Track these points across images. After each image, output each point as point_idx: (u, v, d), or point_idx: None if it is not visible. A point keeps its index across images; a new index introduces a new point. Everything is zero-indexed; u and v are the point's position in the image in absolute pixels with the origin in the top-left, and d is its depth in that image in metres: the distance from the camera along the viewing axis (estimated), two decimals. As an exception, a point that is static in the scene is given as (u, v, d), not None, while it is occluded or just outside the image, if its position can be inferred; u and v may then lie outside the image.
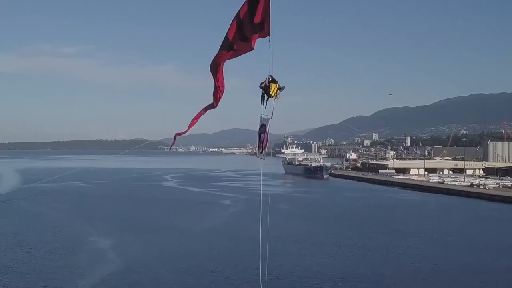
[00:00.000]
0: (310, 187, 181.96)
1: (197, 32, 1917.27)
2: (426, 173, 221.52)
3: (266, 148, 14.11)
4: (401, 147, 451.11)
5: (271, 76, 13.45)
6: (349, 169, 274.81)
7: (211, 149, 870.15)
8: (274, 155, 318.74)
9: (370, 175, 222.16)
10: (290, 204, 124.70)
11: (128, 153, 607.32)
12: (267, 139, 13.94)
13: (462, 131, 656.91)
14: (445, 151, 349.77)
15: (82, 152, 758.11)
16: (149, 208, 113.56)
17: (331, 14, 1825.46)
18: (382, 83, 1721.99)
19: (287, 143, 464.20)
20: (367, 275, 55.94)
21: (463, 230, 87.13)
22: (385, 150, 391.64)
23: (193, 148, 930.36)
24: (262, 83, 13.47)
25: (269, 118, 14.07)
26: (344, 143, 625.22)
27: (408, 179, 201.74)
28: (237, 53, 13.52)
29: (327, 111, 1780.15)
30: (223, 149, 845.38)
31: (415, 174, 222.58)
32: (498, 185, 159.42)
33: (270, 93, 13.39)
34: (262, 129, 14.11)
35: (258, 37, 13.18)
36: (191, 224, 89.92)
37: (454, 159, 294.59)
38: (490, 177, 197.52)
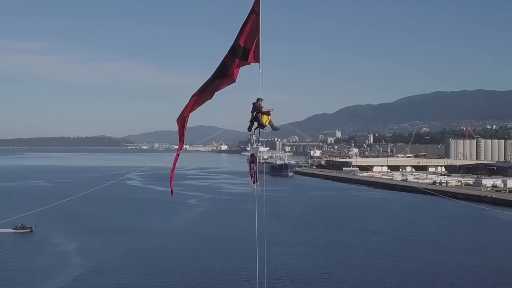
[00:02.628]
0: (275, 185, 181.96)
1: (163, 28, 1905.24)
2: (389, 170, 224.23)
3: (259, 178, 13.99)
4: (364, 144, 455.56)
5: (260, 99, 13.34)
6: (314, 167, 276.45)
7: (175, 146, 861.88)
8: (239, 152, 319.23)
9: (334, 173, 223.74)
10: (257, 203, 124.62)
11: (91, 151, 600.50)
12: (257, 170, 13.85)
13: (424, 128, 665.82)
14: (408, 149, 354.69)
15: (44, 149, 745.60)
16: (115, 208, 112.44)
17: (293, 9, 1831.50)
18: (345, 80, 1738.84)
19: (252, 140, 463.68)
20: (335, 275, 56.33)
21: (428, 229, 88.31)
22: (349, 148, 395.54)
23: (157, 145, 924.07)
24: (258, 105, 13.29)
25: (258, 148, 14.00)
26: (308, 140, 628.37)
27: (372, 176, 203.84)
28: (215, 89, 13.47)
29: (292, 108, 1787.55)
30: (187, 146, 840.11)
31: (379, 172, 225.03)
32: (460, 183, 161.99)
33: (264, 123, 13.28)
34: (251, 159, 14.01)
35: (243, 65, 13.04)
36: (159, 225, 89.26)
37: (416, 156, 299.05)
38: (452, 174, 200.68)
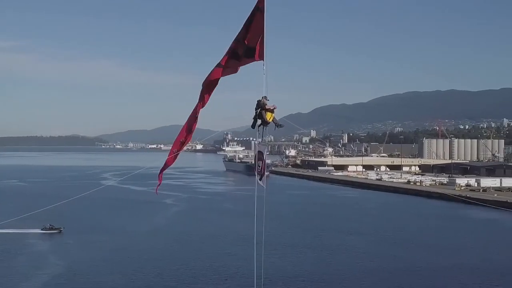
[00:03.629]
0: (252, 184, 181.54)
1: (138, 26, 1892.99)
2: (364, 170, 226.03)
3: (265, 175, 14.15)
4: (339, 144, 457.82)
5: (266, 98, 13.49)
6: (289, 166, 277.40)
7: (149, 146, 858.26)
8: (214, 152, 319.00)
9: (310, 172, 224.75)
10: (233, 203, 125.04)
11: (65, 150, 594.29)
12: (265, 166, 13.98)
13: (397, 128, 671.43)
14: (382, 148, 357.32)
15: (16, 149, 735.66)
16: (91, 208, 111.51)
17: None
18: (320, 80, 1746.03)
19: (227, 140, 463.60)
20: (314, 274, 56.70)
21: (404, 228, 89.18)
22: (324, 147, 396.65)
23: (131, 145, 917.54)
24: (262, 103, 13.45)
25: (265, 146, 14.18)
26: (283, 140, 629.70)
27: (347, 176, 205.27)
28: (227, 71, 13.40)
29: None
30: (162, 145, 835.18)
31: (353, 171, 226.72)
32: (434, 182, 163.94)
33: (267, 120, 13.43)
34: (259, 156, 14.13)
35: (247, 63, 13.19)
36: (136, 225, 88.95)
37: (390, 156, 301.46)
38: (426, 174, 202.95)
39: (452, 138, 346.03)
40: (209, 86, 13.47)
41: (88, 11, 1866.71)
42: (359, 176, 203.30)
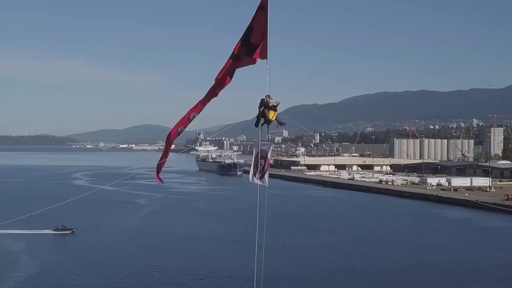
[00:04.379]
0: (225, 184, 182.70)
1: (107, 23, 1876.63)
2: (336, 169, 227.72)
3: (267, 173, 14.28)
4: (311, 144, 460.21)
5: (269, 96, 13.62)
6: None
7: (121, 146, 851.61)
8: (187, 152, 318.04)
9: (283, 172, 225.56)
10: (207, 202, 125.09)
11: (35, 150, 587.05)
12: (268, 164, 14.11)
13: (368, 128, 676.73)
14: (353, 148, 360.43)
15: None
16: (64, 209, 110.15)
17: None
18: (291, 80, 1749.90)
19: (200, 140, 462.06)
20: (289, 273, 57.04)
21: (378, 227, 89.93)
22: (296, 147, 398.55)
23: (102, 145, 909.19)
24: (265, 101, 13.56)
25: (270, 144, 14.34)
26: (255, 139, 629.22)
27: (320, 175, 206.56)
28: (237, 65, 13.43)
29: (239, 107, 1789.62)
30: (133, 145, 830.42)
31: (326, 171, 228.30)
32: (406, 182, 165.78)
33: (270, 118, 13.56)
34: (261, 155, 14.23)
35: (251, 63, 13.27)
36: (111, 225, 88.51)
37: (362, 155, 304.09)
38: (397, 173, 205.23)
39: (423, 138, 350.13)
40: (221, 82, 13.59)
41: (57, 9, 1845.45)
42: (331, 175, 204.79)
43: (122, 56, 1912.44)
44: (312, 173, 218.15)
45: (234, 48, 13.16)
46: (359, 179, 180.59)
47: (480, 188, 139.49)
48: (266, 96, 13.67)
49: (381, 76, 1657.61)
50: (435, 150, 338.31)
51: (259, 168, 14.29)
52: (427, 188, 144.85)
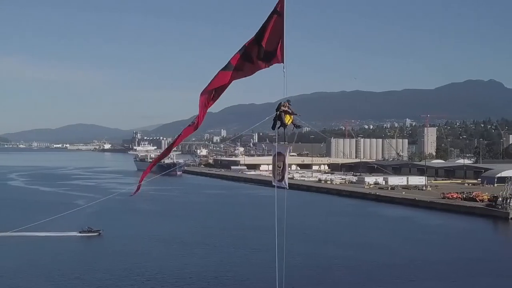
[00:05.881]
0: (165, 184, 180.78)
1: (44, 19, 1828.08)
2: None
3: (287, 175, 14.29)
4: (249, 143, 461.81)
5: (289, 102, 13.71)
6: (202, 166, 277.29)
7: (54, 145, 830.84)
8: (123, 151, 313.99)
9: (223, 172, 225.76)
10: (149, 203, 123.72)
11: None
12: (286, 168, 14.15)
13: (305, 128, 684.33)
14: (291, 147, 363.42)
15: None
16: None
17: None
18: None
19: (137, 139, 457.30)
20: (237, 274, 57.31)
21: (320, 226, 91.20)
22: (235, 146, 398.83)
23: (35, 144, 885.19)
24: (282, 106, 13.66)
25: (288, 146, 14.40)
26: (194, 139, 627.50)
27: (260, 175, 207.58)
28: (241, 74, 13.32)
29: (176, 106, 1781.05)
30: (68, 145, 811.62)
31: (266, 170, 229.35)
32: (344, 180, 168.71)
33: (286, 122, 13.66)
34: (279, 158, 14.22)
35: (268, 66, 13.21)
36: (50, 227, 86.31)
37: (299, 155, 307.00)
38: (336, 172, 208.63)
39: (361, 138, 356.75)
40: (211, 93, 13.38)
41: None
42: (270, 175, 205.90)
43: (56, 53, 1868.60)
44: (252, 172, 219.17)
45: (232, 60, 13.09)
46: (298, 178, 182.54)
47: (416, 187, 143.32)
48: (286, 101, 13.85)
49: (316, 76, 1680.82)
50: (371, 149, 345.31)
51: (277, 171, 14.36)
52: (365, 187, 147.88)
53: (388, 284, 54.92)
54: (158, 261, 62.35)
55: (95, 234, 77.59)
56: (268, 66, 13.33)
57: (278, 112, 13.86)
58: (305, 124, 14.70)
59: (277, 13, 12.98)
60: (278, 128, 13.92)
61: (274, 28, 12.95)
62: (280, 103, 13.89)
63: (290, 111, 13.91)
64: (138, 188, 15.53)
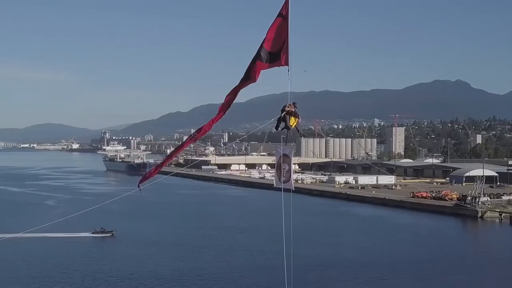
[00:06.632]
0: (135, 184, 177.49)
1: (10, 15, 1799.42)
2: (246, 168, 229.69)
3: (292, 176, 14.35)
4: (220, 143, 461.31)
5: (295, 104, 13.78)
6: (172, 165, 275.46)
7: (22, 145, 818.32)
8: (92, 151, 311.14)
9: (194, 171, 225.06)
10: (118, 204, 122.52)
11: None
12: (291, 169, 14.21)
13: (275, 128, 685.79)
14: (262, 147, 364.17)
15: None
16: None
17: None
18: (198, 79, 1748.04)
19: (106, 139, 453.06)
20: (210, 274, 57.24)
21: (292, 225, 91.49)
22: (205, 146, 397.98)
23: (2, 144, 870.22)
24: (286, 107, 13.71)
25: (292, 147, 14.42)
26: (163, 139, 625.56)
27: (231, 174, 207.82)
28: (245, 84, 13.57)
29: (145, 106, 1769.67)
30: (35, 145, 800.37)
31: (236, 170, 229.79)
32: (315, 180, 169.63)
33: (290, 124, 13.70)
34: (284, 159, 14.26)
35: (272, 67, 13.33)
36: (21, 228, 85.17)
37: (270, 154, 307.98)
38: (306, 172, 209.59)
39: (330, 137, 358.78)
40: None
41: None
42: (242, 175, 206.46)
43: (23, 52, 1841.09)
44: (223, 172, 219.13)
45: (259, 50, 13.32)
46: (270, 178, 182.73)
47: (386, 186, 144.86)
48: (293, 103, 13.90)
49: (284, 77, 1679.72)
50: (340, 149, 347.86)
51: (282, 172, 14.39)
52: (336, 186, 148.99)
53: (361, 283, 55.42)
54: (128, 261, 61.96)
55: (108, 234, 77.31)
56: (270, 67, 13.44)
57: (283, 114, 13.91)
58: (305, 132, 14.64)
59: (282, 17, 13.20)
60: (282, 129, 13.96)
61: (278, 31, 13.16)
62: (286, 104, 13.97)
63: (294, 111, 13.97)
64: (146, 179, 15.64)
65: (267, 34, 13.28)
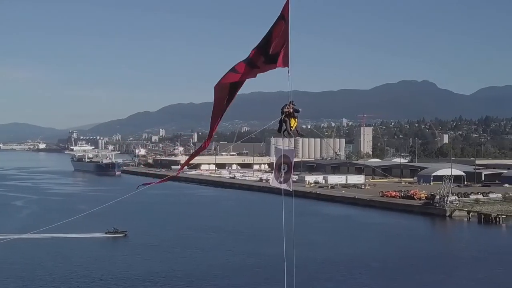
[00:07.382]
0: (104, 184, 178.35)
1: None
2: (216, 168, 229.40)
3: (291, 178, 14.37)
4: (189, 143, 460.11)
5: (292, 102, 13.80)
6: (141, 165, 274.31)
7: (1, 146, 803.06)
8: (59, 151, 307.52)
9: (163, 171, 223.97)
10: (87, 204, 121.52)
11: None
12: (292, 170, 14.23)
13: (244, 127, 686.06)
14: (231, 147, 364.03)
15: None
16: None
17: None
18: (167, 79, 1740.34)
19: (73, 139, 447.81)
20: (184, 273, 57.27)
21: (264, 225, 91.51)
22: (174, 146, 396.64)
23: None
24: (285, 107, 13.72)
25: (294, 150, 14.42)
26: (132, 138, 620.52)
27: (201, 174, 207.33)
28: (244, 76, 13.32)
29: (113, 105, 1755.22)
30: (1, 145, 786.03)
31: (206, 170, 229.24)
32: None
33: (291, 126, 13.69)
34: (284, 160, 14.26)
35: (270, 69, 13.25)
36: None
37: (239, 154, 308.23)
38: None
39: (302, 137, 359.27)
40: (224, 90, 13.61)
41: None
42: (212, 174, 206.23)
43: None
44: (193, 172, 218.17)
45: (250, 54, 13.21)
46: (240, 178, 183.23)
47: (355, 185, 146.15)
48: (290, 102, 13.88)
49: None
50: (309, 148, 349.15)
51: (281, 173, 14.40)
52: (306, 185, 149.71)
53: (332, 282, 55.94)
54: (99, 262, 61.61)
55: (121, 235, 77.03)
56: (270, 69, 13.37)
57: (283, 116, 13.90)
58: (304, 131, 14.78)
59: (283, 18, 13.17)
60: (284, 131, 13.93)
61: (279, 32, 13.15)
62: (285, 104, 13.97)
63: (293, 111, 13.97)
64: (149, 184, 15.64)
65: (270, 37, 13.22)
